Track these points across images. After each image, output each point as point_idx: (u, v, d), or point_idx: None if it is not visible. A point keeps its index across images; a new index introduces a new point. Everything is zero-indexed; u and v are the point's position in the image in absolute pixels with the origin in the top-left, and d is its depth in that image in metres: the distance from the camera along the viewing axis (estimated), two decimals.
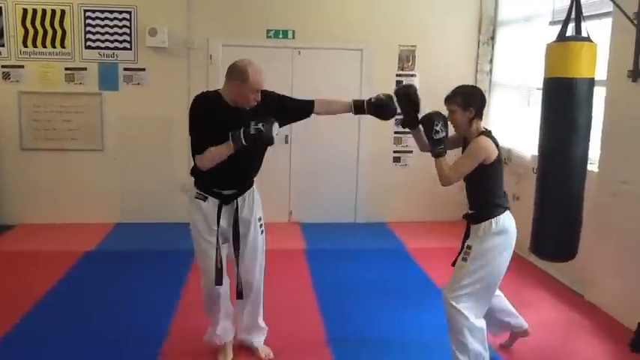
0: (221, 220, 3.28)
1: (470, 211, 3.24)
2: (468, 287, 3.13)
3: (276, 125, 3.07)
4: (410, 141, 6.88)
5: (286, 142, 6.69)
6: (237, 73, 3.10)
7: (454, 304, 3.13)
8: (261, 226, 3.49)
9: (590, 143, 3.45)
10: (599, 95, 4.04)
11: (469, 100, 3.14)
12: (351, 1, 6.62)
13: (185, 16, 6.43)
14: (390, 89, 7.00)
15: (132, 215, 6.58)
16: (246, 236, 3.38)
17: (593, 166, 4.27)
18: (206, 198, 3.27)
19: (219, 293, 3.35)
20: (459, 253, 3.26)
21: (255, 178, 3.51)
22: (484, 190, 3.16)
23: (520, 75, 6.08)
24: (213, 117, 3.11)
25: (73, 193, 6.54)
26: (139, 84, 6.46)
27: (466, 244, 3.21)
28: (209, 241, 3.27)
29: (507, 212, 3.20)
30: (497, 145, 3.12)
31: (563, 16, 3.43)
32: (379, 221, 6.86)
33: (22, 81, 6.35)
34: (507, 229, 3.18)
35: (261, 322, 3.63)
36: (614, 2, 4.06)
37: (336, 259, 5.45)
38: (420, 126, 3.33)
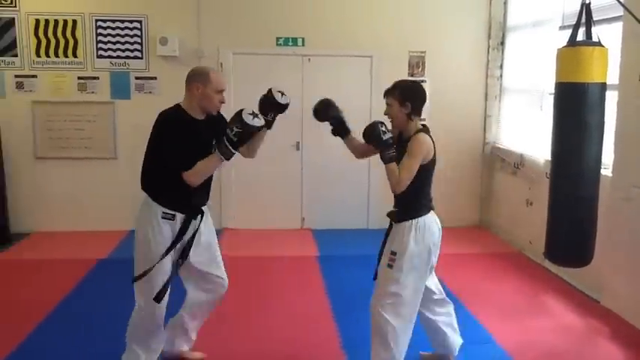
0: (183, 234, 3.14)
1: (394, 209, 3.20)
2: (395, 295, 3.07)
3: (245, 112, 2.99)
4: None
5: (298, 148, 6.71)
6: (197, 76, 3.10)
7: (381, 312, 3.06)
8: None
9: (603, 147, 3.43)
10: (611, 99, 4.02)
11: (407, 95, 3.12)
12: (360, 8, 6.64)
13: (195, 24, 6.48)
14: None
15: None
16: (210, 244, 3.33)
17: (606, 170, 4.24)
18: (174, 216, 3.11)
19: (162, 312, 3.23)
20: (380, 256, 3.21)
21: None
22: (414, 189, 3.08)
23: (530, 80, 6.07)
24: (186, 131, 3.05)
25: (86, 201, 6.59)
26: (150, 92, 6.51)
27: (390, 249, 3.13)
28: (165, 258, 3.11)
29: (431, 212, 3.19)
30: (434, 144, 3.12)
31: (572, 21, 3.42)
32: None
33: (35, 90, 6.42)
34: (431, 230, 3.14)
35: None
36: (625, 7, 4.05)
37: (349, 265, 5.45)
38: (352, 134, 3.38)
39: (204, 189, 3.21)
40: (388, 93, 3.17)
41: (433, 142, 3.13)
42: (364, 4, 6.64)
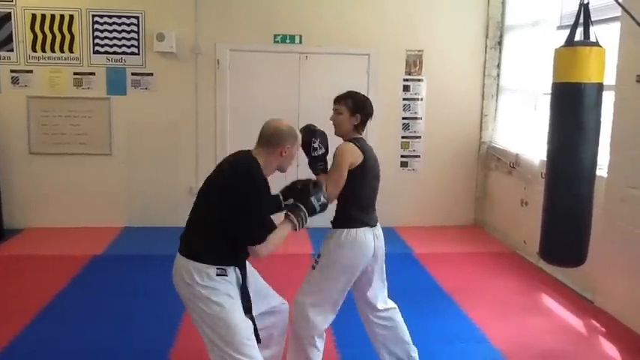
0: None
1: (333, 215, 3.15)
2: (313, 296, 3.07)
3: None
4: (417, 145, 6.89)
5: None
6: (290, 136, 2.74)
7: (300, 309, 3.08)
8: None
9: (599, 148, 3.43)
10: (608, 100, 4.02)
11: (359, 107, 3.10)
12: (357, 6, 6.63)
13: (193, 21, 6.46)
14: (397, 93, 7.05)
15: (139, 219, 6.60)
16: (256, 284, 2.96)
17: (601, 171, 4.24)
18: (226, 272, 2.67)
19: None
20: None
21: None
22: (344, 197, 3.05)
23: (528, 80, 6.07)
24: (269, 195, 2.72)
25: (80, 197, 6.57)
26: (146, 89, 6.48)
27: (319, 252, 3.11)
28: (246, 321, 2.69)
29: (366, 228, 3.06)
30: (365, 152, 3.04)
31: (570, 21, 3.42)
32: (387, 226, 6.70)
33: (30, 86, 6.39)
34: (360, 245, 3.03)
35: None
36: (623, 7, 4.04)
37: None
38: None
39: None
40: (340, 100, 3.14)
41: (365, 150, 3.06)
42: (362, 2, 6.63)
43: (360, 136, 3.15)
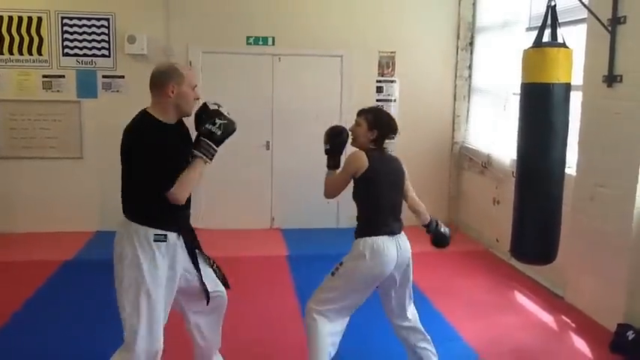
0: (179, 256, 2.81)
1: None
2: (330, 302, 3.08)
3: (210, 103, 2.81)
4: (390, 146, 6.87)
5: (268, 148, 6.69)
6: (169, 75, 2.74)
7: (314, 315, 3.08)
8: None
9: (568, 147, 3.50)
10: (576, 100, 4.10)
11: (378, 123, 3.15)
12: (330, 8, 6.65)
13: (164, 23, 6.40)
14: (370, 95, 7.07)
15: (112, 223, 6.43)
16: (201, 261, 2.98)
17: (571, 170, 4.33)
18: (166, 236, 2.75)
19: (161, 350, 2.80)
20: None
21: None
22: (359, 206, 3.15)
23: (498, 80, 6.15)
24: (162, 140, 2.69)
25: (51, 202, 6.45)
26: (118, 91, 6.41)
27: (342, 260, 3.13)
28: (163, 290, 2.75)
29: (385, 237, 3.05)
30: (373, 161, 3.06)
31: (539, 23, 3.48)
32: None
33: None
34: (380, 254, 3.01)
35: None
36: (589, 9, 4.14)
37: (319, 264, 5.38)
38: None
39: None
40: (362, 113, 3.20)
41: (374, 159, 3.08)
42: (334, 3, 6.65)
43: (377, 148, 3.16)
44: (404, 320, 3.22)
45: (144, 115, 2.79)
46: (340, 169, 3.19)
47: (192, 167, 2.72)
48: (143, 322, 2.71)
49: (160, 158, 2.65)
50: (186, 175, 2.69)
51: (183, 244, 2.84)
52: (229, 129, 2.76)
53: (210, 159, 2.75)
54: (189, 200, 2.81)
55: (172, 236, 2.78)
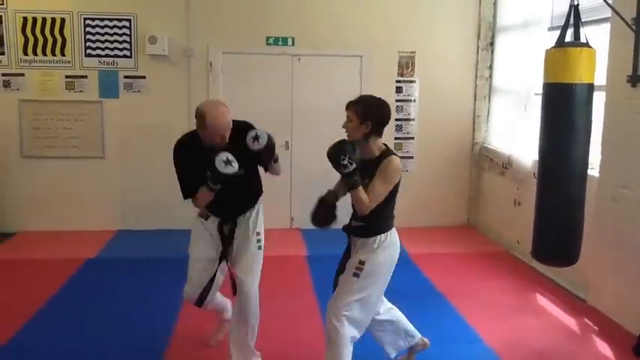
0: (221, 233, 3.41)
1: (358, 223, 3.07)
2: (356, 304, 3.02)
3: (219, 158, 3.05)
4: (410, 147, 6.91)
5: (287, 148, 6.70)
6: (197, 119, 3.15)
7: (336, 324, 3.01)
8: (259, 241, 3.46)
9: (590, 148, 3.46)
10: (599, 100, 4.05)
11: (369, 113, 2.90)
12: (350, 8, 6.64)
13: (185, 23, 6.45)
14: (390, 95, 7.05)
15: (133, 222, 6.58)
16: (242, 251, 3.42)
17: (593, 170, 4.27)
18: (208, 217, 3.42)
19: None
20: (343, 268, 3.15)
21: (259, 196, 3.59)
22: (382, 208, 3.00)
23: (519, 80, 6.09)
24: (190, 161, 3.22)
25: (74, 201, 6.54)
26: (139, 92, 6.47)
27: (358, 259, 3.03)
28: (207, 255, 3.41)
29: (394, 230, 3.15)
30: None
31: (561, 22, 3.45)
32: None
33: (22, 89, 6.36)
34: (396, 245, 3.13)
35: (253, 347, 3.51)
36: (613, 8, 4.08)
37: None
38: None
39: (220, 206, 3.34)
40: (350, 106, 2.95)
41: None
42: (354, 4, 6.64)
43: (385, 145, 3.04)
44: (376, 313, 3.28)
45: (184, 135, 3.47)
46: (378, 177, 2.93)
47: (202, 190, 3.18)
48: None
49: (181, 173, 3.42)
50: (198, 196, 3.25)
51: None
52: (220, 180, 3.08)
53: (212, 191, 3.15)
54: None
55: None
